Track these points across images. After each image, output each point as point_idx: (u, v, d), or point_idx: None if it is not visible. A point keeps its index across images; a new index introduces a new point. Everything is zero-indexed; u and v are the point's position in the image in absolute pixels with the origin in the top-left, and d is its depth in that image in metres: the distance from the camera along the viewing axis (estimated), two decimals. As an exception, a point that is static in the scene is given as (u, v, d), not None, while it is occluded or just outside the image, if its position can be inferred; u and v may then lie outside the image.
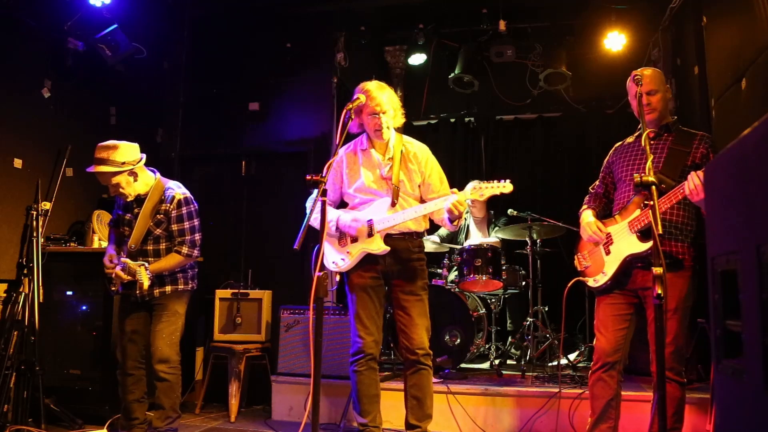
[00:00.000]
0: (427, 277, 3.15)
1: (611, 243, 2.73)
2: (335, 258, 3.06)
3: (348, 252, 3.03)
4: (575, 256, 2.96)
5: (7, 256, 4.02)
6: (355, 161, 3.15)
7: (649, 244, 2.55)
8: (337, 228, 3.07)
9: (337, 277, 3.10)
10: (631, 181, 2.74)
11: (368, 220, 2.99)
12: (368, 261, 3.02)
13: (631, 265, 2.67)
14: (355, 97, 2.90)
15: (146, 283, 3.16)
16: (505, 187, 2.82)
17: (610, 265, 2.72)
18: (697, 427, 3.26)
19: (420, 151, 3.13)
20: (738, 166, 1.31)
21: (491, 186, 2.81)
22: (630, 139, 2.90)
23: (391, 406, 3.50)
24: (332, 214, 3.08)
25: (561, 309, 2.89)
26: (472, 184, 2.88)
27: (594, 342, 2.84)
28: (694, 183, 2.35)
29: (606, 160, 3.00)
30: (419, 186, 3.11)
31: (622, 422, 2.79)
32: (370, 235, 2.97)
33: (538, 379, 3.93)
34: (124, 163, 3.21)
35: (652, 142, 2.74)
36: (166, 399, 3.26)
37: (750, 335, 1.21)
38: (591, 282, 2.82)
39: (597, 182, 3.04)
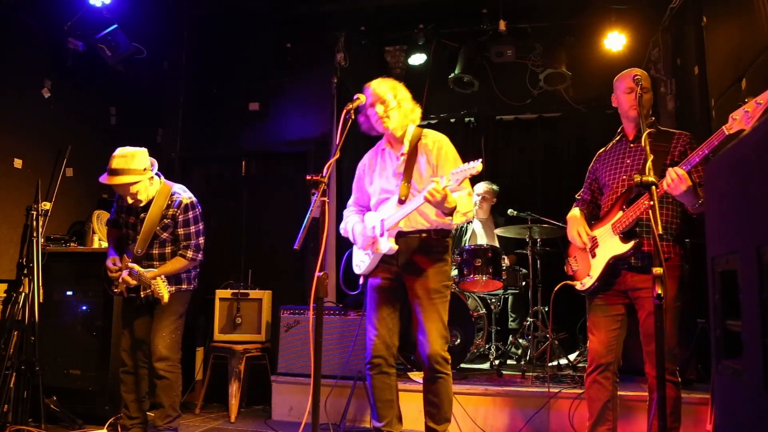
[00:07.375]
0: (448, 279, 2.96)
1: (597, 246, 2.76)
2: (358, 261, 3.08)
3: (368, 254, 3.01)
4: (566, 261, 2.98)
5: (7, 256, 4.03)
6: (374, 161, 3.12)
7: (630, 245, 2.58)
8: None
9: (361, 280, 3.11)
10: (614, 185, 2.77)
11: (381, 220, 2.95)
12: (384, 262, 2.99)
13: (616, 266, 2.68)
14: (355, 97, 2.88)
15: (166, 297, 3.18)
16: (475, 168, 2.57)
17: (596, 267, 2.75)
18: (697, 427, 3.26)
19: (433, 141, 2.96)
20: (738, 166, 1.31)
21: (462, 169, 2.60)
22: (610, 145, 2.92)
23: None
24: (360, 222, 3.09)
25: (561, 309, 2.89)
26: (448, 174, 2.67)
27: (587, 344, 2.85)
28: (671, 177, 2.37)
29: (590, 167, 3.03)
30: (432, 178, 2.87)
31: (620, 422, 2.79)
32: (382, 234, 2.92)
33: (538, 379, 3.93)
34: (145, 169, 3.20)
35: (631, 144, 2.79)
36: (166, 397, 3.27)
37: (750, 335, 1.21)
38: (578, 285, 2.85)
39: (582, 189, 3.06)
